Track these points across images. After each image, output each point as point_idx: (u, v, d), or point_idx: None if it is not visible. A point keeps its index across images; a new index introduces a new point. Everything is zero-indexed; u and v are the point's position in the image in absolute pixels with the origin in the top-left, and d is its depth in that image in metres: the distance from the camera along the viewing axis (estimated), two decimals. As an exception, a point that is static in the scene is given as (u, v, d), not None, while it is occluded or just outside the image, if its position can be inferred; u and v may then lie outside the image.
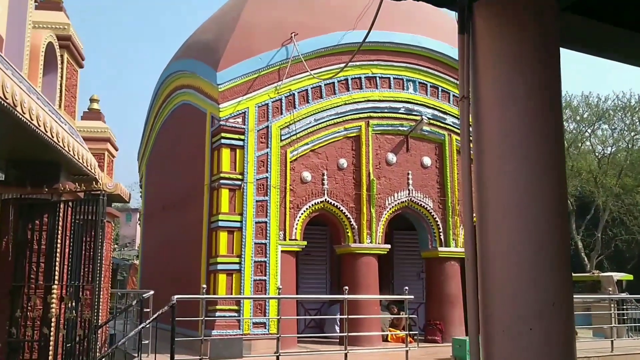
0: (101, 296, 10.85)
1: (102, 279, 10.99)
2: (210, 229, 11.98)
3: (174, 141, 14.94)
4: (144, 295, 10.72)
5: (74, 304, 8.09)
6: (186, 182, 13.71)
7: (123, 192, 11.36)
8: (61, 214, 7.82)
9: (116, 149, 11.92)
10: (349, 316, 9.91)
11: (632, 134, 37.29)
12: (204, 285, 8.87)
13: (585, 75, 67.32)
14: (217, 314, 11.24)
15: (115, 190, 10.97)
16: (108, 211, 11.12)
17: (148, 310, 11.55)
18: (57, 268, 7.74)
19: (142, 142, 17.86)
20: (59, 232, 7.85)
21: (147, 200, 17.31)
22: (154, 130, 16.72)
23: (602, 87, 70.46)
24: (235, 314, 11.36)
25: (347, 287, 10.12)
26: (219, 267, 11.45)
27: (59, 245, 7.86)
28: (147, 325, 9.37)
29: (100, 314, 10.74)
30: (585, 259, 33.92)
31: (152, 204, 16.53)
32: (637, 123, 37.23)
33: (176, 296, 8.55)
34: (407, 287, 10.57)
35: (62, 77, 8.35)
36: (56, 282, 7.74)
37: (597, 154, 37.98)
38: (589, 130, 37.40)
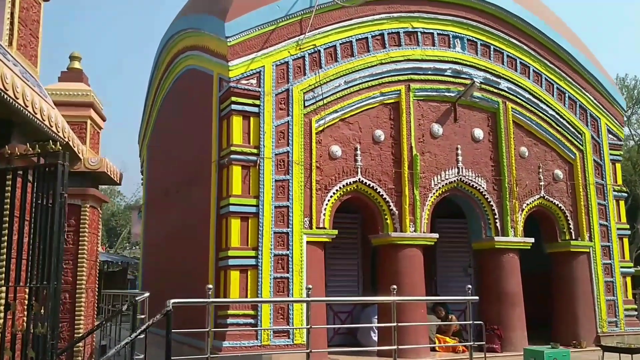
0: (84, 299, 8.68)
1: (86, 278, 8.81)
2: (219, 215, 9.74)
3: (177, 116, 12.72)
4: (136, 299, 8.52)
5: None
6: (191, 161, 11.48)
7: (111, 170, 9.14)
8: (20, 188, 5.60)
9: (103, 119, 9.68)
10: (398, 324, 7.62)
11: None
12: (211, 286, 6.65)
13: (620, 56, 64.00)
14: (229, 320, 9.01)
15: (100, 167, 8.75)
16: (94, 195, 8.92)
17: (143, 316, 9.37)
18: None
19: (142, 122, 15.67)
20: (8, 211, 5.63)
21: (148, 187, 15.12)
22: (155, 106, 14.51)
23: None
24: (252, 320, 9.12)
25: (395, 287, 7.84)
26: (231, 262, 9.21)
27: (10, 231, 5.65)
28: (141, 336, 7.12)
29: (80, 322, 8.57)
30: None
31: (154, 191, 14.34)
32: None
33: (172, 301, 6.30)
34: (469, 286, 8.27)
35: (13, 5, 6.13)
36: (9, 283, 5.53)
37: (636, 141, 35.40)
38: (626, 114, 34.87)
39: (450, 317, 11.50)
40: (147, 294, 8.59)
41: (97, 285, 9.40)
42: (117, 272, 35.03)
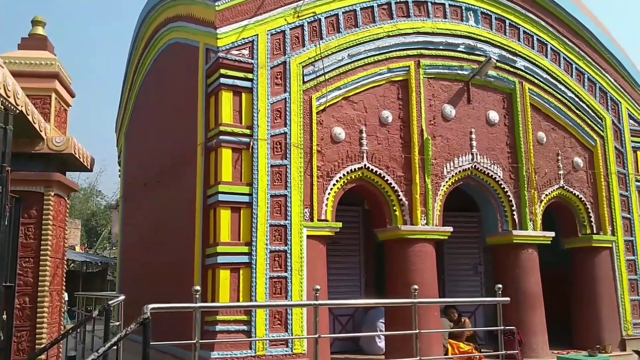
0: (48, 304, 7.36)
1: (50, 279, 7.49)
2: (206, 206, 8.47)
3: (159, 97, 11.40)
4: (109, 303, 7.24)
5: None
6: (174, 147, 10.18)
7: (80, 153, 7.83)
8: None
9: (72, 95, 8.36)
10: (419, 331, 6.42)
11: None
12: (198, 287, 5.41)
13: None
14: (218, 327, 7.75)
15: (67, 148, 7.45)
16: (59, 181, 7.61)
17: (118, 323, 8.08)
18: None
19: (120, 107, 14.30)
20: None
21: (126, 178, 13.76)
22: (133, 89, 13.17)
23: None
24: (244, 327, 7.87)
25: (416, 287, 6.65)
26: (220, 259, 7.95)
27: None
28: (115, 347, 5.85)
29: (43, 330, 7.25)
30: None
31: (133, 183, 12.99)
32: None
33: (151, 306, 5.05)
34: (499, 285, 7.12)
35: None
36: None
37: None
38: None
39: (463, 320, 10.35)
40: (121, 297, 7.32)
41: (64, 287, 8.09)
42: (96, 273, 33.50)
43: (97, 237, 46.60)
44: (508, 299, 7.14)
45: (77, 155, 7.70)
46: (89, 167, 8.38)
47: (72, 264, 32.62)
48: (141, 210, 12.18)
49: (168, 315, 7.01)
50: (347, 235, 10.99)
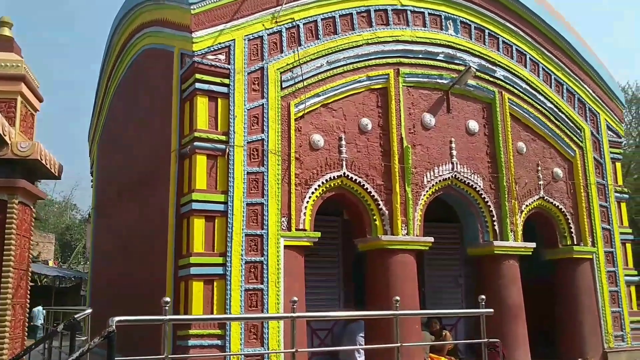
0: (10, 318, 6.97)
1: (13, 291, 7.10)
2: (179, 215, 8.16)
3: (132, 105, 11.09)
4: (75, 317, 6.87)
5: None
6: (147, 156, 9.86)
7: (47, 159, 7.50)
8: None
9: (40, 100, 8.04)
10: (401, 344, 6.18)
11: (638, 128, 34.54)
12: (168, 299, 5.10)
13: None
14: (191, 341, 7.42)
15: (33, 154, 7.12)
16: (24, 188, 7.27)
17: (85, 338, 7.71)
18: None
19: (93, 116, 13.93)
20: None
21: (98, 190, 13.36)
22: (107, 97, 12.83)
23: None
24: (218, 342, 7.54)
25: (398, 298, 6.42)
26: (193, 271, 7.64)
27: None
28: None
29: (4, 346, 6.85)
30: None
31: (105, 193, 12.60)
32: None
33: (117, 319, 4.75)
34: (483, 297, 6.92)
35: None
36: None
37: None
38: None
39: (444, 333, 10.13)
40: (88, 311, 6.97)
41: (28, 301, 7.70)
42: (69, 288, 32.68)
43: (71, 251, 45.68)
44: (491, 310, 6.95)
45: (43, 162, 7.37)
46: (56, 174, 8.03)
47: (45, 279, 31.83)
48: (113, 221, 11.80)
49: (138, 329, 6.69)
50: (325, 246, 10.71)
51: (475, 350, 10.14)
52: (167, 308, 5.05)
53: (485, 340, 6.73)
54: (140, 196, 9.98)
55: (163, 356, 4.96)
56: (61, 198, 50.17)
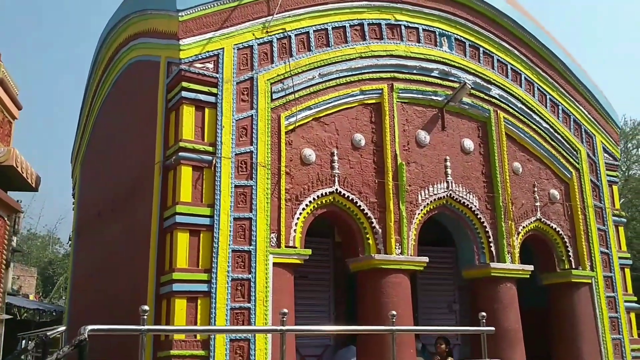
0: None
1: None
2: (162, 229, 7.73)
3: (117, 121, 10.74)
4: (47, 334, 6.38)
5: None
6: (129, 171, 9.47)
7: (23, 167, 7.12)
8: None
9: (18, 107, 7.68)
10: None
11: (627, 162, 34.75)
12: (146, 307, 4.65)
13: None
14: (172, 363, 6.91)
15: (7, 160, 6.74)
16: (1, 197, 6.85)
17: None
18: None
19: (76, 135, 13.54)
20: None
21: (80, 211, 12.88)
22: (91, 115, 12.47)
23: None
24: (202, 365, 7.04)
25: (394, 312, 6.01)
26: (176, 287, 7.18)
27: None
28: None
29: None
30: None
31: (86, 215, 12.13)
32: (632, 150, 34.76)
33: (89, 327, 4.31)
34: (483, 313, 6.53)
35: None
36: None
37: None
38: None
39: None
40: (62, 328, 6.51)
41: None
42: (49, 322, 31.72)
43: (53, 286, 44.59)
44: (492, 328, 6.56)
45: (19, 169, 6.98)
46: (33, 185, 7.64)
47: (24, 313, 30.90)
48: (94, 242, 11.30)
49: (119, 347, 6.21)
50: (317, 268, 10.33)
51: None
52: (145, 317, 4.60)
53: (487, 360, 6.28)
54: (122, 213, 9.55)
55: (139, 371, 4.49)
56: (45, 232, 49.27)
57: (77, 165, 13.38)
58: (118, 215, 9.75)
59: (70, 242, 15.34)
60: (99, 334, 4.41)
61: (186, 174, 7.54)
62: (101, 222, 10.81)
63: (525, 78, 11.03)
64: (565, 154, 11.19)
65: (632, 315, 11.30)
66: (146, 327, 4.59)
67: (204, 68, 7.93)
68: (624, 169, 33.23)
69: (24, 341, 19.73)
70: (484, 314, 6.49)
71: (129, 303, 8.23)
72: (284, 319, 5.15)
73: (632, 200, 29.95)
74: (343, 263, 9.40)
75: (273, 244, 7.85)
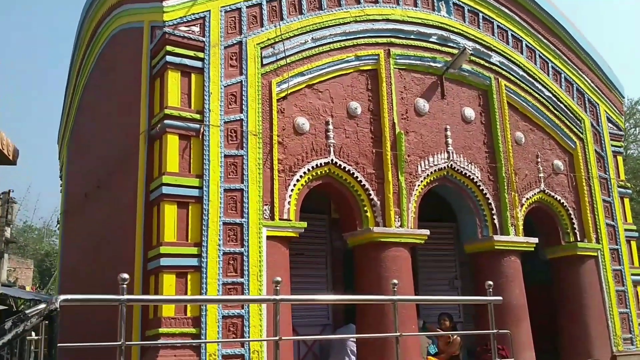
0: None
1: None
2: (148, 202, 7.32)
3: (102, 97, 10.27)
4: (25, 312, 5.96)
5: None
6: (114, 144, 9.02)
7: (1, 141, 6.66)
8: None
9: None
10: (401, 334, 5.36)
11: (625, 142, 34.49)
12: (126, 275, 4.23)
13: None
14: (161, 341, 6.52)
15: (-22, 130, 6.28)
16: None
17: (37, 338, 6.77)
18: None
19: (62, 116, 13.07)
20: None
21: (67, 193, 12.43)
22: (76, 93, 11.99)
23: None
24: (192, 342, 6.65)
25: (396, 281, 5.63)
26: (164, 262, 6.78)
27: None
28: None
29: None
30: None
31: (74, 195, 11.69)
32: (630, 129, 34.50)
33: (62, 297, 3.92)
34: (490, 282, 6.16)
35: None
36: None
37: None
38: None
39: (452, 338, 9.20)
40: (42, 306, 6.05)
41: None
42: (45, 313, 31.38)
43: (50, 278, 44.22)
44: (500, 298, 6.22)
45: (-6, 141, 6.54)
46: (10, 157, 7.19)
47: (21, 305, 30.57)
48: (81, 223, 10.87)
49: (102, 324, 5.81)
50: (313, 245, 9.94)
51: (475, 356, 9.30)
52: (124, 286, 4.19)
53: (495, 331, 5.91)
54: (108, 190, 9.11)
55: (119, 342, 4.08)
56: (41, 224, 48.84)
57: (64, 146, 12.92)
58: (104, 192, 9.33)
59: (58, 225, 14.90)
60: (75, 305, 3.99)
61: (172, 143, 7.11)
62: (88, 202, 10.38)
63: (526, 45, 10.60)
64: (568, 123, 10.79)
65: (639, 288, 10.96)
66: (126, 296, 4.17)
67: (190, 31, 7.48)
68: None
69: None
70: (490, 282, 6.12)
71: (116, 283, 7.82)
72: (278, 287, 4.75)
73: (630, 180, 29.67)
74: (340, 239, 9.00)
75: (266, 217, 7.45)
